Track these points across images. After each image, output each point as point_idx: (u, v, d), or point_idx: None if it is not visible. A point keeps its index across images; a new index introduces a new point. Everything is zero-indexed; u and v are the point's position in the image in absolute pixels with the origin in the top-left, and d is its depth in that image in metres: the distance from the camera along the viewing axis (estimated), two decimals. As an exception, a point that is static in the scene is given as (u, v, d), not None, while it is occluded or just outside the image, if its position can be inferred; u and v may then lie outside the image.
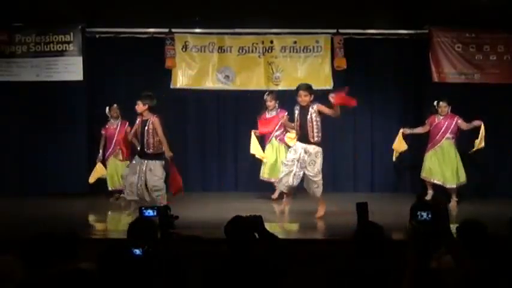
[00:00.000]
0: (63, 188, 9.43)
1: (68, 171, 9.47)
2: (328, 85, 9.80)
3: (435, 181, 8.94)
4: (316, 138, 7.39)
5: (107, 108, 9.23)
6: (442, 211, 3.27)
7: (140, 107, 7.53)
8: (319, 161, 7.39)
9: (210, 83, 9.85)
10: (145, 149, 7.47)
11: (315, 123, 7.38)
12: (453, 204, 8.79)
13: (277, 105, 9.04)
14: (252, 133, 9.01)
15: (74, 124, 9.63)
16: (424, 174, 9.03)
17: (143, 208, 3.82)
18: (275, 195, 9.00)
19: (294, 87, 9.53)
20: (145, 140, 7.47)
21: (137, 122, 7.65)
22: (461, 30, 9.65)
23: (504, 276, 3.09)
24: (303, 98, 7.44)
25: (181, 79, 9.82)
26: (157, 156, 7.49)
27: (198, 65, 9.82)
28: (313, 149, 7.39)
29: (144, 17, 9.55)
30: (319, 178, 7.42)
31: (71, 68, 9.59)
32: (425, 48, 9.70)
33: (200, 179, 10.20)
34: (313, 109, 7.41)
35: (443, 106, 8.94)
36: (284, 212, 7.96)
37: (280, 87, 9.67)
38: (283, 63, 9.83)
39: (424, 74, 9.71)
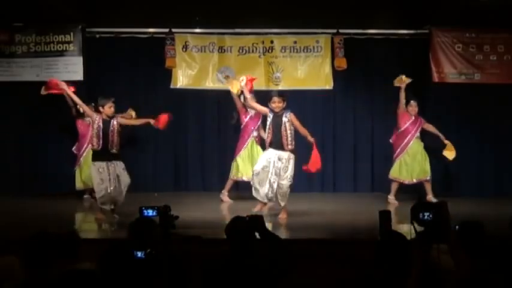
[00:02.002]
0: (64, 188, 9.41)
1: (68, 172, 9.44)
2: (329, 85, 9.82)
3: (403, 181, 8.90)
4: (290, 146, 7.37)
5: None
6: (443, 211, 3.28)
7: (112, 109, 7.48)
8: (291, 167, 7.36)
9: (210, 83, 9.85)
10: (110, 149, 7.40)
11: (289, 131, 7.35)
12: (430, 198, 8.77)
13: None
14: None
15: (75, 124, 9.61)
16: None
17: (143, 208, 3.81)
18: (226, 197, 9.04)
19: (294, 87, 9.62)
20: (109, 139, 7.38)
21: (97, 122, 7.45)
22: (462, 30, 9.65)
23: (503, 276, 3.09)
24: (277, 104, 7.41)
25: (182, 79, 9.82)
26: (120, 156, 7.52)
27: (199, 65, 9.82)
28: (288, 155, 7.36)
29: (144, 17, 9.55)
30: (289, 184, 7.37)
31: (71, 68, 9.59)
32: (425, 48, 9.70)
33: (200, 179, 10.18)
34: (287, 118, 7.38)
35: (415, 105, 8.89)
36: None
37: (280, 87, 9.65)
38: (284, 63, 9.83)
39: (424, 74, 9.69)
